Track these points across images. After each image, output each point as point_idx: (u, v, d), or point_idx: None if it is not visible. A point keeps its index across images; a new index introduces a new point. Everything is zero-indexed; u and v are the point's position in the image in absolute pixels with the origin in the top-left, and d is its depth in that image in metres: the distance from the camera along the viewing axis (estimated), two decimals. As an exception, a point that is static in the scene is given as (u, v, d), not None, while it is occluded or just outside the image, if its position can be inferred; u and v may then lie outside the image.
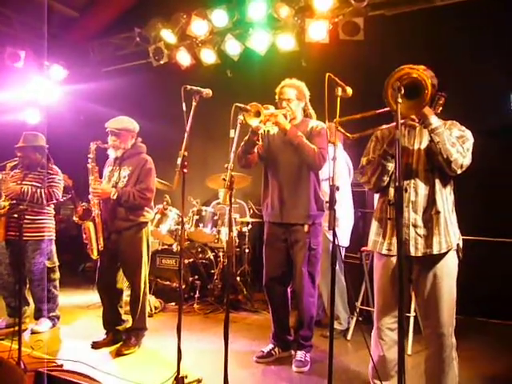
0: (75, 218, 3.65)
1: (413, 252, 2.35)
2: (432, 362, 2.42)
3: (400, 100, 2.03)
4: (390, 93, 2.14)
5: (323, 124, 3.22)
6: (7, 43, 6.21)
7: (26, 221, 3.86)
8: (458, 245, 2.38)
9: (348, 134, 2.48)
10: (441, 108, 2.42)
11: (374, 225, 2.54)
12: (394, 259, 2.39)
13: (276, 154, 3.35)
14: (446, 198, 2.37)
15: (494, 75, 4.24)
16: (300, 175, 3.28)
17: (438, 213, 2.33)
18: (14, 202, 3.94)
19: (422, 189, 2.37)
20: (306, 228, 3.24)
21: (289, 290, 3.50)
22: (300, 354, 3.33)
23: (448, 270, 2.36)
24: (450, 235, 2.34)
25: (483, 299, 4.14)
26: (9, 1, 6.00)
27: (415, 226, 2.36)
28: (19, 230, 3.71)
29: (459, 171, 2.29)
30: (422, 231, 2.35)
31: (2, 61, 6.18)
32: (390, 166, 2.40)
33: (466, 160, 2.29)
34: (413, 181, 2.38)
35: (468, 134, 2.37)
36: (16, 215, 3.81)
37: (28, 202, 3.87)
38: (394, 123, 2.08)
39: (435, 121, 2.28)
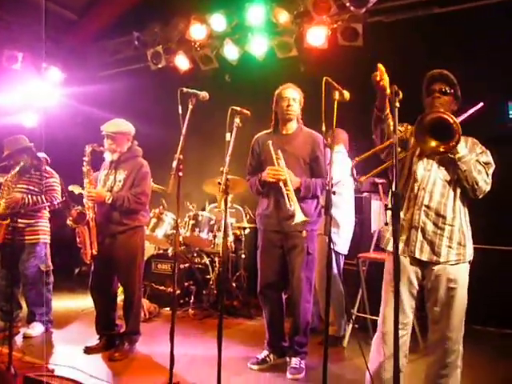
0: (69, 222, 3.60)
1: (417, 255, 2.35)
2: (435, 367, 2.40)
3: (398, 104, 2.03)
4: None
5: (320, 136, 3.22)
6: (5, 45, 6.18)
7: (20, 224, 3.85)
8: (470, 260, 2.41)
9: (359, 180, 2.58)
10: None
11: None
12: (405, 262, 2.38)
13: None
14: (461, 209, 2.39)
15: (491, 84, 4.22)
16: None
17: (452, 224, 2.35)
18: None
19: (442, 197, 2.37)
20: (304, 233, 3.23)
21: (283, 296, 3.47)
22: (295, 361, 3.30)
23: (462, 281, 2.37)
24: (465, 248, 2.36)
25: (479, 307, 4.09)
26: (7, 3, 5.98)
27: (424, 231, 2.36)
28: (13, 233, 3.70)
29: (481, 196, 2.35)
30: (432, 237, 2.35)
31: (-1, 63, 6.17)
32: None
33: (488, 187, 2.36)
34: (430, 187, 2.37)
35: (491, 159, 2.41)
36: (9, 218, 3.77)
37: (28, 211, 3.88)
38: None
39: (463, 149, 2.30)
